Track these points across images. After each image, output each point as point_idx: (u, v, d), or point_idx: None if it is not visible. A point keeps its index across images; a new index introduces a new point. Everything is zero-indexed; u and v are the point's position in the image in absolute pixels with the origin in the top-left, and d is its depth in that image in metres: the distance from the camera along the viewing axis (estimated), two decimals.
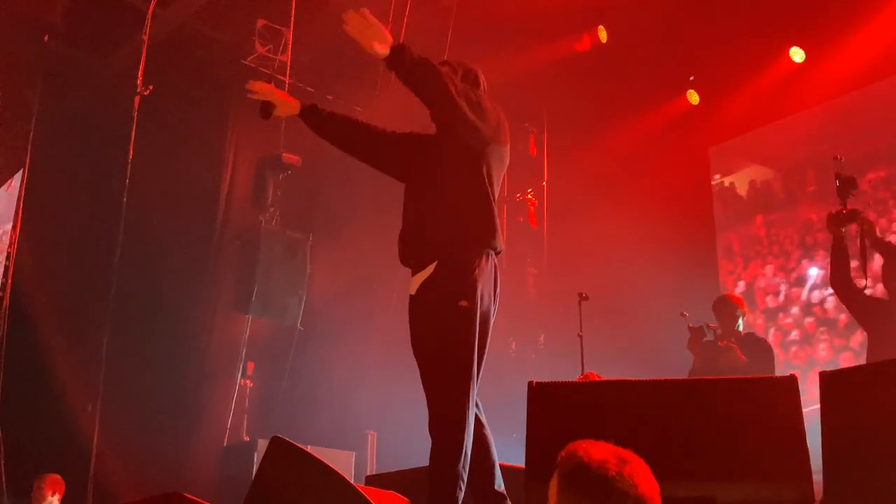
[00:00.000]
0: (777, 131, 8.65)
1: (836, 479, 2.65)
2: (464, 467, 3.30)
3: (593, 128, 9.40)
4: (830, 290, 7.04)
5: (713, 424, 2.94)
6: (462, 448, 3.31)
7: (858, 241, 5.65)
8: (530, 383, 3.28)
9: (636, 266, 8.55)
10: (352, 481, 3.16)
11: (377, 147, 3.94)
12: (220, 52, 8.51)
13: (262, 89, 3.86)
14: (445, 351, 3.43)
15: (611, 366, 6.59)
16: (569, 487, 2.01)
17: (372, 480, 4.97)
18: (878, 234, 5.74)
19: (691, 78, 9.18)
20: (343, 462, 7.51)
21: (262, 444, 7.17)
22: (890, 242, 5.73)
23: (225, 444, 8.05)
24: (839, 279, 5.67)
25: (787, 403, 2.86)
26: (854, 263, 5.63)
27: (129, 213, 6.46)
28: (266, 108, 3.83)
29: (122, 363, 6.92)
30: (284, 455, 3.09)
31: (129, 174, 6.47)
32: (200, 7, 8.18)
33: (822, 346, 7.87)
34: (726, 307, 6.48)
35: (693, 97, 9.19)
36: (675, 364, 6.81)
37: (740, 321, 6.39)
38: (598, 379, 5.79)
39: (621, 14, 8.76)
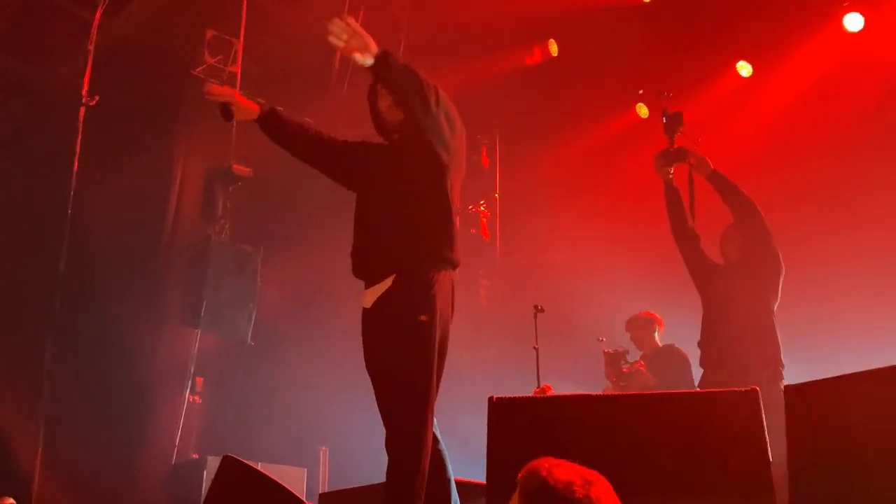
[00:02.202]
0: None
1: (802, 494, 2.64)
2: (421, 486, 3.25)
3: (545, 140, 9.45)
4: None
5: (675, 439, 2.92)
6: (420, 466, 3.26)
7: (688, 181, 5.44)
8: (491, 398, 3.22)
9: (589, 277, 8.58)
10: (305, 500, 3.09)
11: (331, 155, 3.89)
12: (169, 62, 8.37)
13: (220, 92, 3.80)
14: (404, 367, 3.36)
15: (565, 378, 6.60)
16: None
17: (325, 498, 4.90)
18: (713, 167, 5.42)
19: (640, 91, 9.26)
20: (295, 479, 7.39)
21: (212, 462, 7.05)
22: (727, 178, 5.38)
23: (173, 462, 7.88)
24: (680, 229, 5.46)
25: (749, 417, 2.85)
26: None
27: (74, 226, 6.32)
28: (226, 111, 3.76)
29: (66, 381, 6.76)
30: (236, 474, 3.02)
31: (73, 186, 6.33)
32: (148, 17, 8.05)
33: None
34: (639, 323, 6.59)
35: (642, 110, 9.26)
36: None
37: (656, 334, 6.49)
38: (552, 392, 5.80)
39: (572, 28, 8.82)
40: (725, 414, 2.91)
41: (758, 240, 5.26)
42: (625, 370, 6.22)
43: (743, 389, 2.89)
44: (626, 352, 6.41)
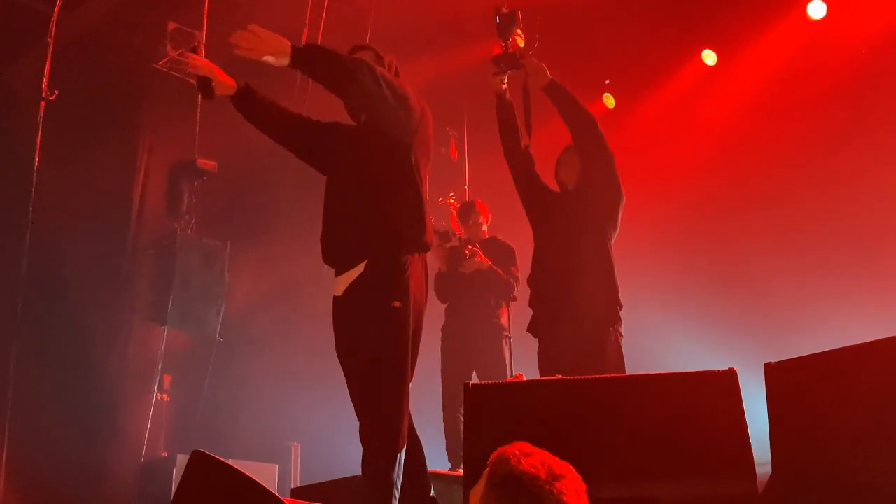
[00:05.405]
0: None
1: (784, 472, 2.64)
2: (398, 475, 3.22)
3: None
4: None
5: (652, 421, 2.89)
6: (397, 456, 3.22)
7: (522, 92, 4.83)
8: (466, 385, 3.19)
9: None
10: (277, 494, 3.05)
11: (304, 135, 3.83)
12: (131, 55, 8.25)
13: (200, 64, 3.71)
14: (378, 354, 3.31)
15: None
16: (498, 498, 1.92)
17: (298, 493, 4.86)
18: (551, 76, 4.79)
19: (607, 82, 9.28)
20: (267, 475, 7.34)
21: (182, 460, 6.97)
22: (566, 88, 4.73)
23: (142, 461, 7.78)
24: (512, 149, 4.83)
25: (728, 397, 2.83)
26: None
27: (36, 223, 6.21)
28: (207, 87, 3.67)
29: (31, 381, 6.65)
30: (206, 469, 2.97)
31: (35, 183, 6.22)
32: (109, 10, 7.92)
33: None
34: (471, 213, 6.70)
35: (609, 101, 9.28)
36: None
37: (484, 226, 6.71)
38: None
39: (536, 19, 8.79)
40: (703, 394, 2.89)
41: (598, 164, 4.73)
42: (466, 250, 6.38)
43: (720, 370, 2.90)
44: (459, 234, 6.68)
